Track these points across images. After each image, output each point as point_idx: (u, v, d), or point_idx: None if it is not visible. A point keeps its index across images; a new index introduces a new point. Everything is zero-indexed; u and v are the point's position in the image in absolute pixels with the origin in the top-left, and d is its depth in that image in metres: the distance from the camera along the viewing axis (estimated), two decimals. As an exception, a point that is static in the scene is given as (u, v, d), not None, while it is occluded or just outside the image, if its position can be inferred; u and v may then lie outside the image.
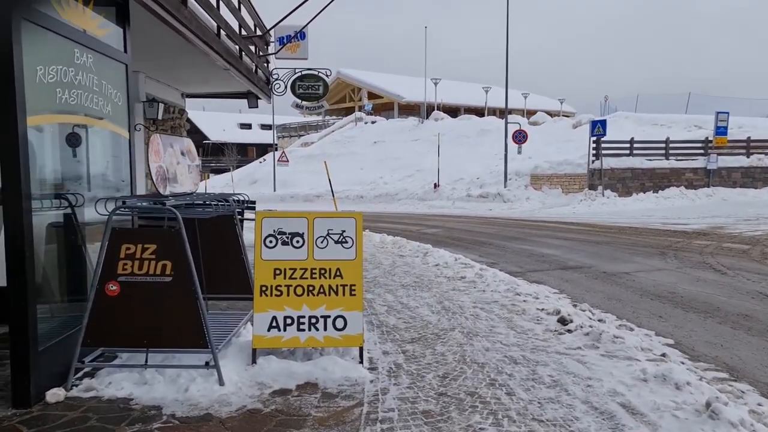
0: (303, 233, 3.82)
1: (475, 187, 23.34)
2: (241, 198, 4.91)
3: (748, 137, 21.86)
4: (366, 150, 33.30)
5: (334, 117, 46.97)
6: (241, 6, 7.71)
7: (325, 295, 3.79)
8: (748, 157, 21.32)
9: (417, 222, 16.36)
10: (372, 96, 47.74)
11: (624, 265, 8.61)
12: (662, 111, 33.39)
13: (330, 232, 3.84)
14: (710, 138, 21.80)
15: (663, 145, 21.45)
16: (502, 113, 27.71)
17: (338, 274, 3.81)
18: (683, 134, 26.45)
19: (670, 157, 21.27)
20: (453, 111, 45.29)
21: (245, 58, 7.92)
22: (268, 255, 3.78)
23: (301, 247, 3.80)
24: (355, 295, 3.82)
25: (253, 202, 5.73)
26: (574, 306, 6.10)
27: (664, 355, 4.47)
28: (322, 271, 3.80)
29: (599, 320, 5.52)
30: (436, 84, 41.13)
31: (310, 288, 3.78)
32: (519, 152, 23.20)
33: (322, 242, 3.82)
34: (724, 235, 11.52)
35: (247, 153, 55.05)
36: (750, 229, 12.24)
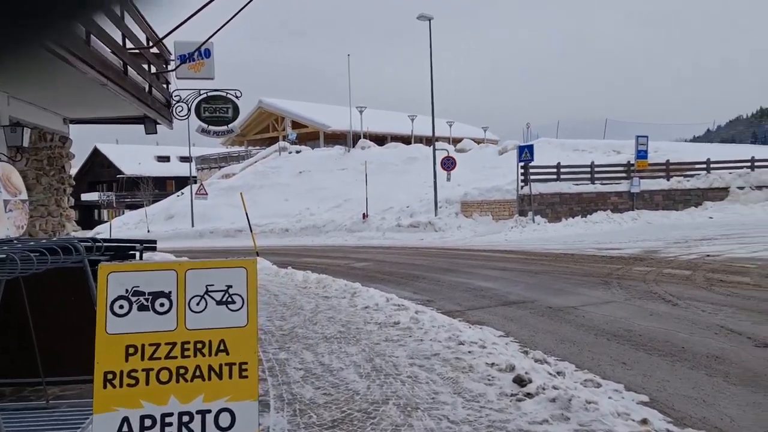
0: (170, 292, 2.69)
1: (405, 216, 22.60)
2: (107, 241, 3.71)
3: (667, 160, 22.32)
4: (291, 180, 32.06)
5: (258, 147, 45.38)
6: (125, 14, 6.53)
7: (203, 380, 2.66)
8: (668, 179, 21.70)
9: (345, 255, 15.32)
10: (296, 125, 46.61)
11: (569, 298, 7.89)
12: (582, 137, 34.18)
13: (210, 289, 2.74)
14: (632, 162, 22.10)
15: (588, 169, 21.52)
16: (429, 141, 27.39)
17: (222, 348, 2.70)
18: (603, 159, 26.89)
19: (595, 182, 21.34)
20: (380, 139, 44.86)
21: (133, 75, 6.73)
22: (118, 326, 2.62)
23: (167, 312, 2.67)
24: (246, 377, 2.71)
25: (153, 242, 4.54)
26: (526, 353, 5.23)
27: (644, 421, 3.61)
28: (199, 346, 2.68)
29: (558, 372, 4.65)
30: (361, 112, 40.59)
31: (181, 371, 2.65)
32: (448, 179, 22.70)
33: (198, 304, 2.71)
34: (660, 260, 11.15)
35: (165, 187, 52.41)
36: (683, 252, 11.97)
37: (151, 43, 7.33)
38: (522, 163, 20.46)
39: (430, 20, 22.29)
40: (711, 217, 19.10)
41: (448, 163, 22.60)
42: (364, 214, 23.04)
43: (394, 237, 20.54)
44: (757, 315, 6.33)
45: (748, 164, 21.38)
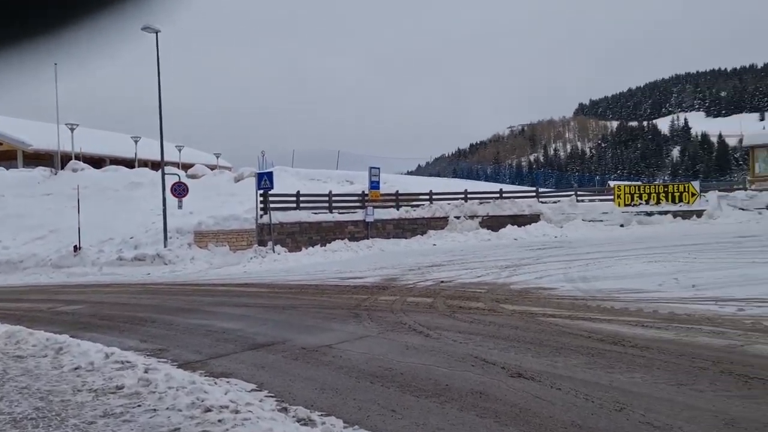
0: None
1: (129, 248, 19.98)
2: None
3: (397, 191, 23.92)
4: (-26, 207, 26.18)
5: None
6: None
7: None
8: (397, 209, 23.20)
9: (50, 297, 12.62)
10: (-14, 142, 38.97)
11: (323, 336, 7.29)
12: (317, 167, 35.11)
13: None
14: (366, 192, 23.11)
15: (326, 198, 21.82)
16: (156, 165, 24.89)
17: None
18: (338, 188, 27.80)
19: (333, 211, 21.70)
20: (97, 162, 39.89)
21: None
22: None
23: None
24: None
25: None
26: (285, 411, 4.41)
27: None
28: None
29: (329, 435, 3.90)
30: (72, 130, 35.66)
31: None
32: (180, 207, 20.80)
33: None
34: (402, 287, 11.38)
35: None
36: (420, 279, 12.47)
37: None
38: (261, 191, 19.77)
39: (157, 33, 20.35)
40: (435, 245, 20.84)
41: (180, 189, 20.77)
42: (75, 246, 19.72)
43: (115, 272, 17.89)
44: (501, 342, 6.50)
45: (462, 196, 24.10)
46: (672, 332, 6.32)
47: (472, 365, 5.67)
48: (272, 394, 5.02)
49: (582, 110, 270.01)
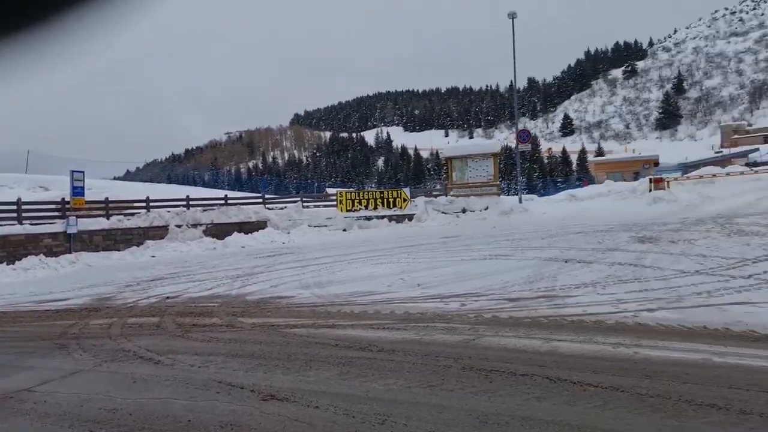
0: None
1: None
2: None
3: (107, 198, 21.22)
4: None
5: None
6: None
7: None
8: (108, 218, 20.58)
9: None
10: None
11: (19, 377, 5.78)
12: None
13: None
14: (67, 199, 19.98)
15: (15, 207, 18.21)
16: None
17: None
18: (30, 195, 23.66)
19: (24, 221, 18.22)
20: None
21: None
22: None
23: None
24: None
25: None
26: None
27: None
28: None
29: None
30: None
31: None
32: None
33: None
34: (119, 307, 9.90)
35: None
36: (141, 296, 11.07)
37: None
38: None
39: None
40: (153, 256, 18.97)
41: None
42: None
43: None
44: (246, 360, 5.92)
45: (184, 203, 22.49)
46: (412, 332, 6.51)
47: (217, 392, 4.99)
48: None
49: (298, 120, 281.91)
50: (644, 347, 5.35)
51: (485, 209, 24.79)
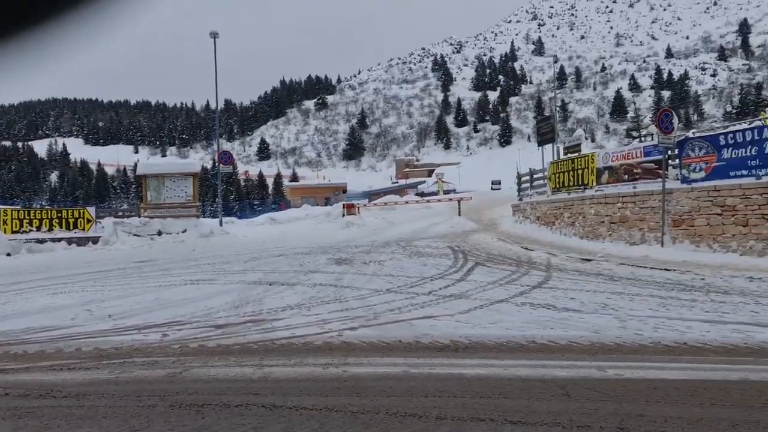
0: None
1: None
2: None
3: None
4: None
5: None
6: None
7: None
8: None
9: None
10: None
11: None
12: None
13: None
14: None
15: None
16: None
17: None
18: None
19: None
20: None
21: None
22: None
23: None
24: None
25: None
26: None
27: None
28: None
29: None
30: None
31: None
32: None
33: None
34: None
35: None
36: None
37: None
38: None
39: None
40: None
41: None
42: None
43: None
44: None
45: None
46: (105, 371, 5.70)
47: None
48: None
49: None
50: (351, 365, 5.61)
51: (184, 231, 23.66)
